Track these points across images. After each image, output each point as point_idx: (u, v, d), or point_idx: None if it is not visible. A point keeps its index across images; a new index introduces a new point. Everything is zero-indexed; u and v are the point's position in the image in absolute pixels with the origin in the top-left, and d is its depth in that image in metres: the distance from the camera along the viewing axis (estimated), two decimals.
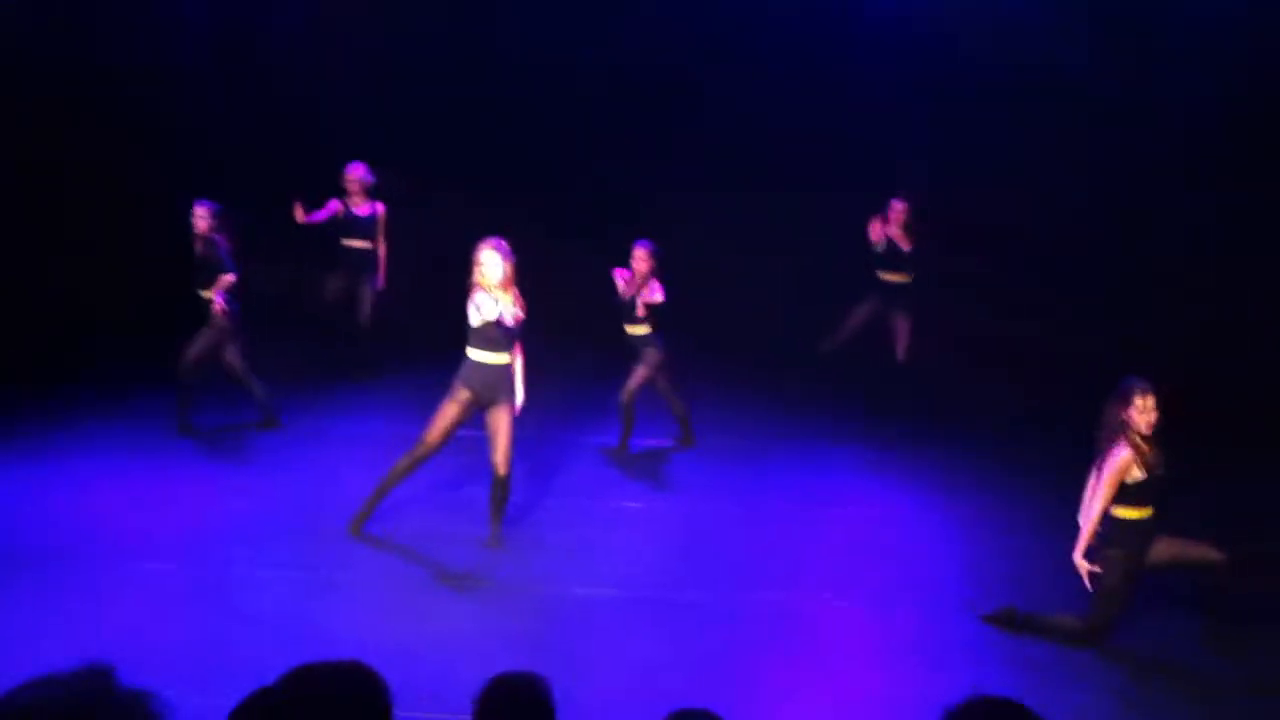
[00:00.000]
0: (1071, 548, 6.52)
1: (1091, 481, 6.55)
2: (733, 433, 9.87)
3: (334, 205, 10.58)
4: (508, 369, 7.46)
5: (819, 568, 7.51)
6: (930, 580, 7.43)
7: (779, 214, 12.05)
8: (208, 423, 9.32)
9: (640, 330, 9.08)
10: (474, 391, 7.38)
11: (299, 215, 10.40)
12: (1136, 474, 6.35)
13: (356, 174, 10.55)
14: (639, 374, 9.10)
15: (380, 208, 10.63)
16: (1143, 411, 6.33)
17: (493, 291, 7.22)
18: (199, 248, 9.07)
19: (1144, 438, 6.36)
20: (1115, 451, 6.34)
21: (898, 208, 10.36)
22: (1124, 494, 6.39)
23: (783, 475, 9.07)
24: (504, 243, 7.32)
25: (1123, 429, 6.36)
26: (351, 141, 11.79)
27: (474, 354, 7.37)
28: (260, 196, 11.11)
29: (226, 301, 9.02)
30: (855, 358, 10.81)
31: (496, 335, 7.32)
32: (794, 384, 10.88)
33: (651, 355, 9.08)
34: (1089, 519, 6.44)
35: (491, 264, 7.22)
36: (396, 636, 6.27)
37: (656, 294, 8.98)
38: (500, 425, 7.42)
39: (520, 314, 7.40)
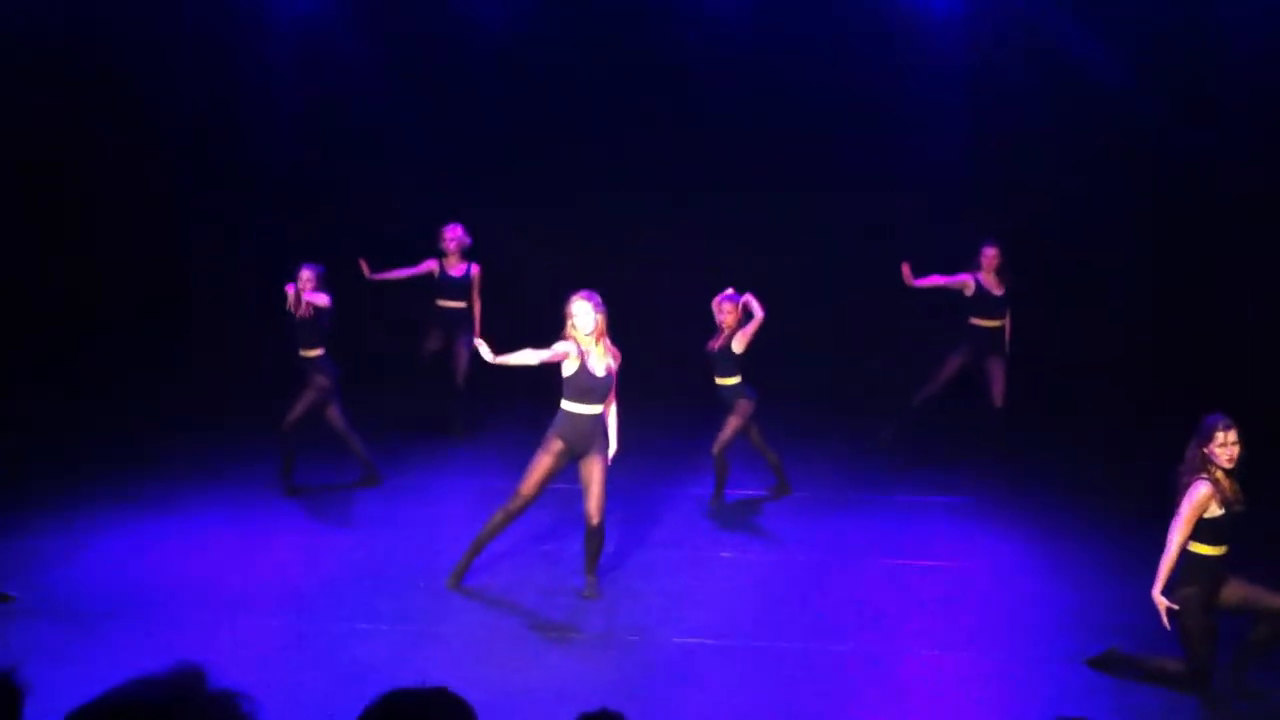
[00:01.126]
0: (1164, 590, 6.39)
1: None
2: (827, 482, 9.81)
3: (429, 264, 10.78)
4: (600, 419, 7.51)
5: (916, 618, 7.43)
6: (1029, 629, 7.32)
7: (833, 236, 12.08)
8: (310, 480, 9.51)
9: (730, 381, 9.09)
10: (567, 443, 7.44)
11: (365, 272, 10.61)
12: (1215, 510, 6.22)
13: (454, 234, 10.71)
14: (731, 425, 9.09)
15: (475, 268, 10.78)
16: (1224, 445, 6.20)
17: (583, 343, 7.31)
18: (303, 309, 9.19)
19: (1226, 473, 6.24)
20: (1195, 486, 6.23)
21: (989, 253, 10.20)
22: (1201, 530, 6.25)
23: (878, 525, 8.99)
24: (595, 294, 7.39)
25: (1204, 465, 6.25)
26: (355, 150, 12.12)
27: (567, 405, 7.44)
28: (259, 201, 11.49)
29: (316, 309, 9.17)
30: (947, 403, 10.67)
31: (588, 386, 7.37)
32: (887, 431, 10.76)
33: (743, 406, 9.08)
34: (1167, 555, 6.30)
35: (583, 315, 7.30)
36: (494, 687, 6.30)
37: (745, 331, 8.96)
38: (593, 475, 7.46)
39: (613, 364, 7.46)
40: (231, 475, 9.68)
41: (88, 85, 11.90)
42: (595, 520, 7.48)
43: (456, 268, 10.77)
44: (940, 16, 11.68)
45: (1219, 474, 6.24)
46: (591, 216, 12.18)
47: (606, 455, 7.56)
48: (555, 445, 7.44)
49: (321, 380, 9.25)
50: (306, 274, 9.17)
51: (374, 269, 10.63)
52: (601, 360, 7.39)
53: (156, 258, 12.65)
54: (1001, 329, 10.29)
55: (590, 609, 7.47)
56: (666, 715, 6.02)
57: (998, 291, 10.22)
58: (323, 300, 9.14)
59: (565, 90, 12.34)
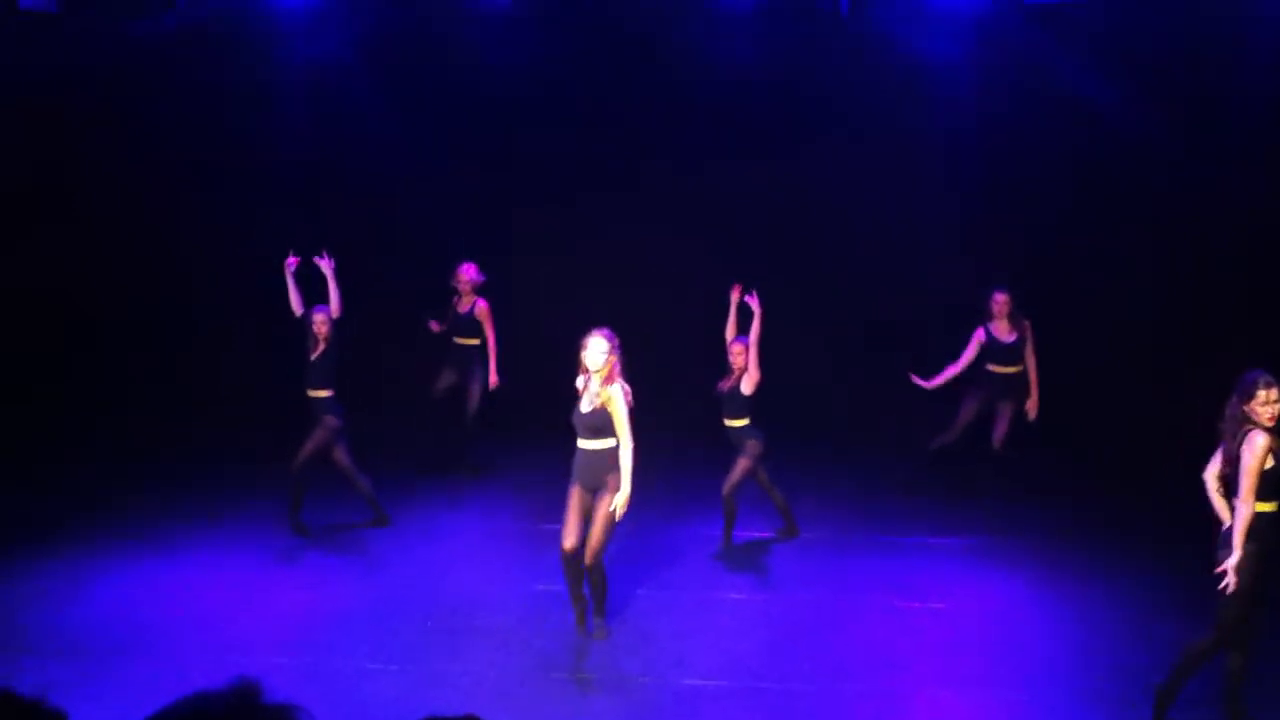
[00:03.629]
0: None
1: (1212, 484, 6.34)
2: (834, 524, 9.79)
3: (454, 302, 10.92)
4: (604, 455, 7.38)
5: (925, 658, 7.42)
6: (1039, 668, 7.29)
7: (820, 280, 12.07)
8: (318, 520, 9.53)
9: (739, 422, 9.09)
10: (574, 478, 7.47)
11: (434, 328, 10.91)
12: (1270, 462, 6.03)
13: (468, 275, 10.76)
14: (740, 466, 9.09)
15: (482, 303, 10.79)
16: (1266, 404, 6.02)
17: (593, 378, 7.33)
18: (321, 349, 9.25)
19: (1269, 430, 6.06)
20: (1252, 436, 6.01)
21: (999, 299, 10.07)
22: (1258, 485, 6.05)
23: (886, 566, 8.97)
24: (615, 336, 7.38)
25: (1245, 422, 6.06)
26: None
27: (578, 441, 7.48)
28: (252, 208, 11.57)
29: (328, 316, 9.28)
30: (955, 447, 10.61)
31: (574, 421, 7.42)
32: (894, 473, 10.74)
33: (752, 447, 9.08)
34: (1240, 517, 6.04)
35: (594, 351, 7.30)
36: None
37: (751, 371, 8.96)
38: (594, 516, 7.38)
39: (612, 402, 7.31)
40: (239, 515, 9.71)
41: (90, 86, 11.95)
42: (588, 561, 7.40)
43: (466, 305, 10.83)
44: (952, 59, 11.72)
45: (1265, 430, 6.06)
46: (607, 249, 12.15)
47: (610, 498, 7.36)
48: (571, 483, 7.48)
49: (331, 420, 9.28)
50: (320, 316, 9.25)
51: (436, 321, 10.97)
52: (592, 397, 7.36)
53: (159, 283, 12.62)
54: (1018, 374, 10.13)
55: (599, 650, 7.46)
56: None
57: (1009, 338, 10.10)
58: (334, 298, 9.34)
59: (579, 116, 12.32)
